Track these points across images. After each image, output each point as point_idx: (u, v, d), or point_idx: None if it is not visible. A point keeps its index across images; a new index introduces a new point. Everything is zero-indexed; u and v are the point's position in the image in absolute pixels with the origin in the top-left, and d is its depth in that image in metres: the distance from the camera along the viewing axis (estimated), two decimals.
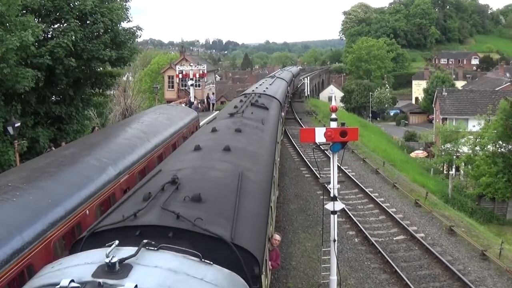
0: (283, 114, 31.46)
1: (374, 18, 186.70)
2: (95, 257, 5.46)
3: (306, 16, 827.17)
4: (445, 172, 48.48)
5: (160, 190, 7.84)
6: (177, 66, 59.25)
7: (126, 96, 47.94)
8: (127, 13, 27.65)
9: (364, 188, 26.16)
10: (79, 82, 26.92)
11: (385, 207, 23.19)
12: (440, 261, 17.45)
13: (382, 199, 24.80)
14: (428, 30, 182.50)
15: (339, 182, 11.86)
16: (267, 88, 31.69)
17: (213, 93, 64.49)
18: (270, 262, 9.96)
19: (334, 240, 11.75)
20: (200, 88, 61.07)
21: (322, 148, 33.11)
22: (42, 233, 9.19)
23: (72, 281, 4.83)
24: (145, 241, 5.70)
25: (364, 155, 35.51)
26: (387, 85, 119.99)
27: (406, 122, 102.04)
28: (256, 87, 33.82)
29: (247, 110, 18.55)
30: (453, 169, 46.73)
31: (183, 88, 59.93)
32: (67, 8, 24.50)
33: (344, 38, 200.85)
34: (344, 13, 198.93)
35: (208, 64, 79.01)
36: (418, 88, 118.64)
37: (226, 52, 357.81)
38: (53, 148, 21.93)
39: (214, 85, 73.44)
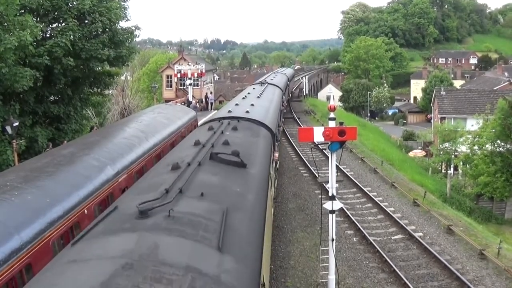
0: (276, 155, 18.57)
1: (373, 18, 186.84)
2: None
3: (305, 16, 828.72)
4: (443, 171, 48.54)
5: None
6: (175, 66, 59.34)
7: (124, 96, 47.98)
8: (126, 12, 27.68)
9: (363, 188, 26.17)
10: (77, 82, 26.91)
11: (384, 206, 23.20)
12: (439, 260, 17.45)
13: (380, 198, 24.81)
14: (427, 29, 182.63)
15: (337, 181, 11.85)
16: (252, 104, 20.24)
17: (211, 93, 64.46)
18: None
19: (333, 239, 11.74)
20: (199, 87, 61.00)
21: (321, 148, 33.13)
22: (41, 232, 9.22)
23: None
24: None
25: (363, 154, 35.52)
26: (385, 85, 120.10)
27: (405, 121, 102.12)
28: (236, 104, 21.19)
29: (194, 182, 8.15)
30: (452, 169, 46.77)
31: (182, 87, 59.91)
32: (65, 8, 24.49)
33: (342, 38, 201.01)
34: (343, 12, 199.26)
35: (207, 63, 79.03)
36: (416, 88, 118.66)
37: (224, 51, 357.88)
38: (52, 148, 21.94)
39: (212, 85, 73.39)
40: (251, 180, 9.54)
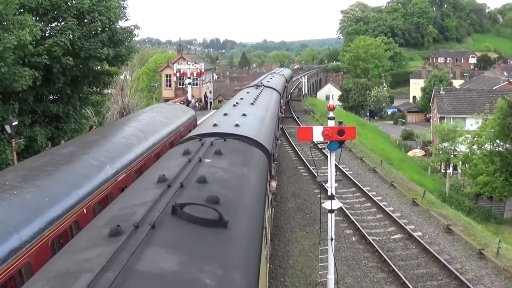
0: (274, 184, 14.51)
1: (372, 17, 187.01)
2: None
3: (304, 15, 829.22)
4: (442, 171, 48.58)
5: None
6: (174, 65, 59.26)
7: (123, 95, 47.95)
8: (125, 11, 27.67)
9: (362, 187, 26.18)
10: (76, 81, 26.88)
11: (383, 206, 23.21)
12: (438, 260, 17.46)
13: (379, 197, 24.82)
14: (426, 29, 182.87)
15: (336, 180, 11.85)
16: (244, 115, 16.81)
17: (210, 92, 64.44)
18: None
19: (332, 239, 11.74)
20: (198, 87, 60.99)
21: (320, 147, 33.13)
22: (40, 231, 9.22)
23: None
24: None
25: (362, 154, 35.53)
26: (384, 84, 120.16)
27: (404, 121, 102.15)
28: (225, 114, 17.33)
29: (135, 272, 4.85)
30: (451, 168, 46.81)
31: (181, 86, 59.90)
32: (64, 7, 24.46)
33: (341, 37, 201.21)
34: (342, 12, 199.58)
35: (206, 62, 78.99)
36: (415, 87, 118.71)
37: (223, 50, 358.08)
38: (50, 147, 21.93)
39: (211, 84, 73.36)
40: (233, 252, 6.13)
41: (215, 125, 14.50)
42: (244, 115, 16.72)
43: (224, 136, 12.51)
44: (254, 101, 22.44)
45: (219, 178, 8.59)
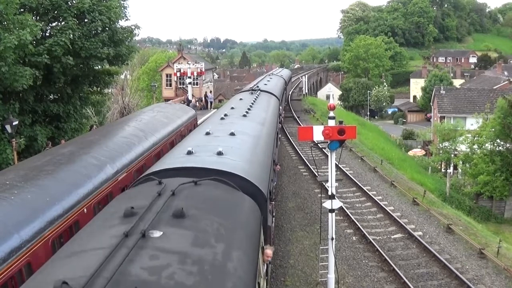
0: (269, 252, 8.72)
1: (372, 17, 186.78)
2: None
3: (304, 15, 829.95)
4: (443, 170, 48.58)
5: None
6: (175, 65, 59.30)
7: (124, 95, 47.92)
8: (125, 11, 27.66)
9: (362, 187, 26.18)
10: (77, 81, 26.88)
11: (383, 205, 23.21)
12: (438, 260, 17.47)
13: (380, 197, 24.82)
14: (426, 28, 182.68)
15: (337, 180, 11.85)
16: (232, 134, 12.67)
17: (211, 91, 64.46)
18: None
19: (332, 238, 11.74)
20: (198, 86, 61.02)
21: (320, 147, 33.12)
22: (40, 231, 9.21)
23: None
24: None
25: (362, 153, 35.52)
26: (385, 84, 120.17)
27: (404, 120, 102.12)
28: (207, 133, 12.98)
29: None
30: (451, 168, 46.80)
31: (181, 86, 59.92)
32: (65, 7, 24.45)
33: (342, 37, 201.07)
34: (342, 11, 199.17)
35: (206, 62, 78.95)
36: (416, 87, 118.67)
37: (224, 50, 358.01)
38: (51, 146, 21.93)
39: (212, 83, 73.34)
40: None
41: (189, 152, 10.44)
42: (232, 134, 12.64)
43: (197, 174, 8.60)
44: (247, 112, 17.78)
45: (166, 285, 4.54)
